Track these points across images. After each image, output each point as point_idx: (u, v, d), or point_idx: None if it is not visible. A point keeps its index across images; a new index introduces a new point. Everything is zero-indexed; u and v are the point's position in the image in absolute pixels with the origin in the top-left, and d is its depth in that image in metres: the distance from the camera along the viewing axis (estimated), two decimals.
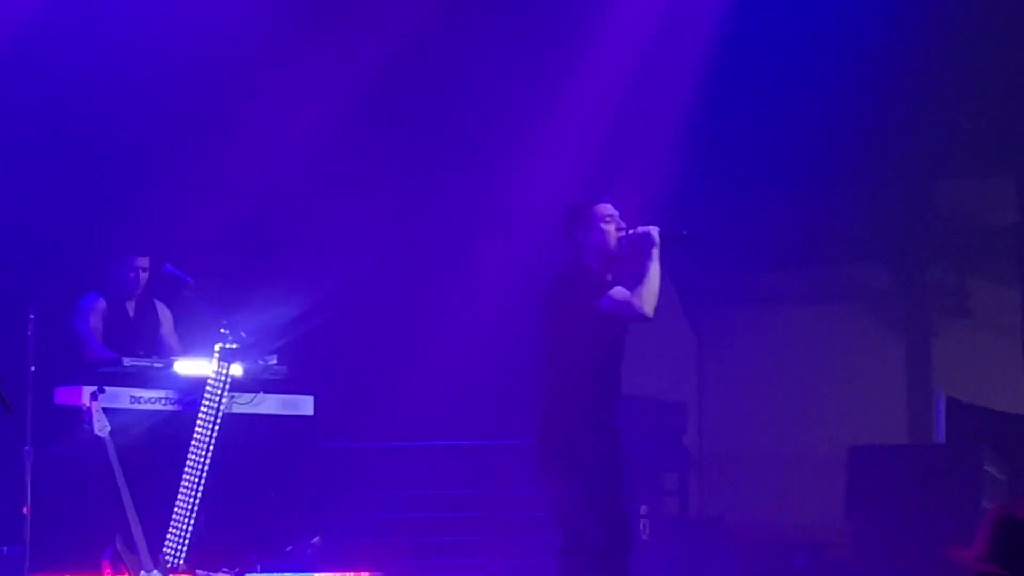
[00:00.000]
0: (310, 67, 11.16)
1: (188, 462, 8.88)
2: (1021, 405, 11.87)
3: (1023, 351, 12.09)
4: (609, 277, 7.45)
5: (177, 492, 8.85)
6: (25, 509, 8.53)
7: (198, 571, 8.81)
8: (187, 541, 8.79)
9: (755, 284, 13.21)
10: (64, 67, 10.32)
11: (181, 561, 8.75)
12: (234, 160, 10.84)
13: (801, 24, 11.25)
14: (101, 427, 8.52)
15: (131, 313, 9.76)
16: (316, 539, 9.86)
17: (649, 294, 7.32)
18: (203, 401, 8.96)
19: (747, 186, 12.47)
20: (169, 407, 9.17)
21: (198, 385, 9.05)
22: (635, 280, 7.34)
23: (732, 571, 11.28)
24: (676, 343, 13.09)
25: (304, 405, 9.58)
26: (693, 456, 12.47)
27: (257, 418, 9.35)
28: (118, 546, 8.37)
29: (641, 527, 10.85)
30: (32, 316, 8.66)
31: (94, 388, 8.65)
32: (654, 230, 7.41)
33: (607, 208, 7.50)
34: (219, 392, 8.97)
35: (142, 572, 8.42)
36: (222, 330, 9.06)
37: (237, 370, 9.10)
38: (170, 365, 9.21)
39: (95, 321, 9.60)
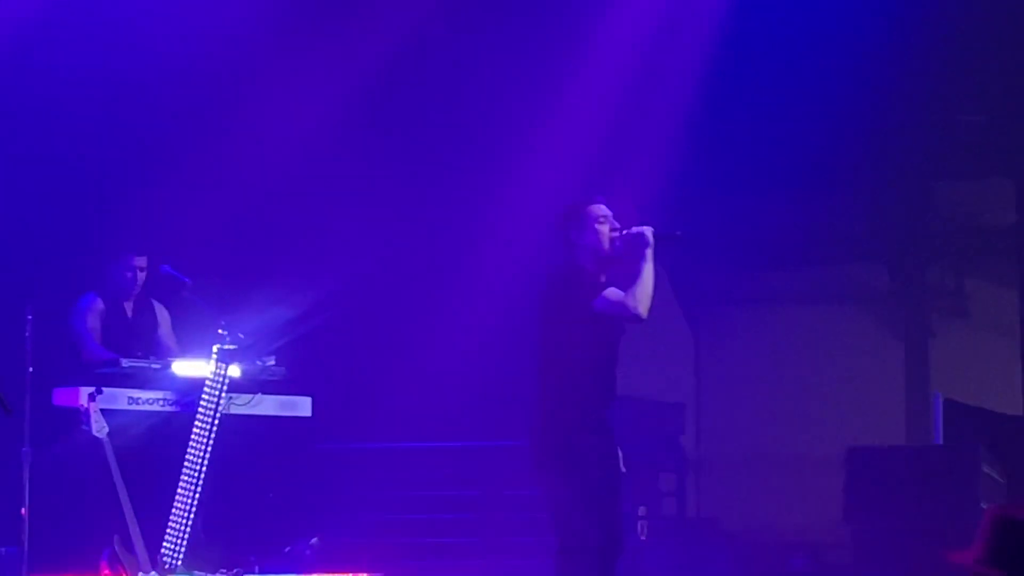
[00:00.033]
0: (308, 67, 11.15)
1: (186, 463, 8.87)
2: (1019, 406, 11.87)
3: (1021, 352, 12.09)
4: (603, 278, 7.44)
5: (175, 493, 8.84)
6: (23, 510, 8.53)
7: (196, 572, 8.81)
8: (185, 542, 8.78)
9: (753, 284, 13.21)
10: (61, 67, 10.31)
11: (179, 562, 8.75)
12: (232, 160, 10.83)
13: (800, 24, 11.23)
14: (99, 428, 8.52)
15: (129, 313, 9.76)
16: (314, 540, 9.86)
17: (643, 294, 7.31)
18: (201, 402, 8.95)
19: (746, 186, 12.46)
20: (167, 408, 9.16)
21: (196, 386, 9.05)
22: (629, 281, 7.34)
23: (729, 572, 11.27)
24: (674, 343, 13.09)
25: (302, 406, 9.57)
26: (691, 457, 12.47)
27: (255, 419, 9.34)
28: (116, 547, 8.38)
29: (639, 528, 10.85)
30: (30, 317, 8.66)
31: (92, 389, 8.66)
32: (648, 230, 7.41)
33: (601, 209, 7.49)
34: (217, 393, 8.97)
35: (140, 573, 8.42)
36: (220, 331, 9.05)
37: (235, 371, 9.09)
38: (168, 366, 9.20)
39: (93, 321, 9.60)
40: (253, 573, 9.26)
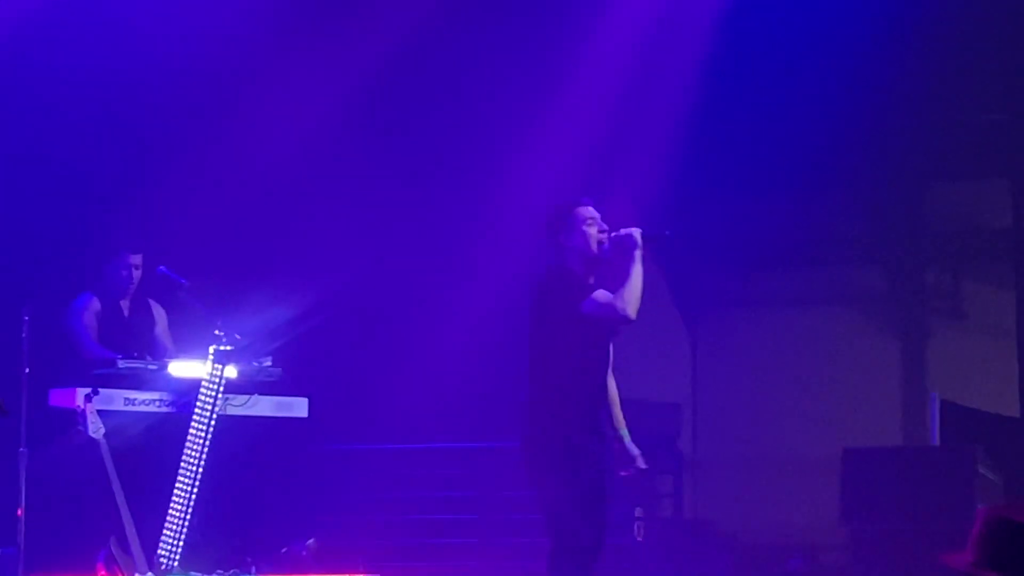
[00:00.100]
0: (306, 67, 11.15)
1: (182, 464, 8.87)
2: (1016, 407, 11.86)
3: (1018, 353, 12.08)
4: (591, 280, 7.44)
5: (171, 494, 8.84)
6: (19, 511, 8.54)
7: (192, 573, 8.81)
8: (181, 543, 8.78)
9: (750, 285, 13.19)
10: (58, 66, 10.31)
11: (175, 563, 8.75)
12: (229, 160, 10.83)
13: (798, 26, 11.24)
14: (95, 429, 8.53)
15: (126, 312, 9.77)
16: (311, 541, 9.85)
17: (632, 296, 7.31)
18: (197, 403, 8.95)
19: (742, 187, 12.46)
20: (164, 409, 9.16)
21: (193, 387, 9.05)
22: (618, 282, 7.34)
23: (726, 574, 11.28)
24: (670, 344, 13.07)
25: (299, 407, 9.57)
26: (687, 458, 12.47)
27: (252, 420, 9.34)
28: (112, 548, 8.38)
29: (635, 529, 10.85)
30: (27, 318, 8.66)
31: (88, 390, 8.66)
32: (636, 232, 7.40)
33: (588, 211, 7.49)
34: (213, 394, 8.97)
35: (136, 574, 8.43)
36: (216, 332, 9.05)
37: (231, 372, 9.09)
38: (164, 367, 9.20)
39: (89, 320, 9.61)
40: (250, 574, 9.25)
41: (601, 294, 7.34)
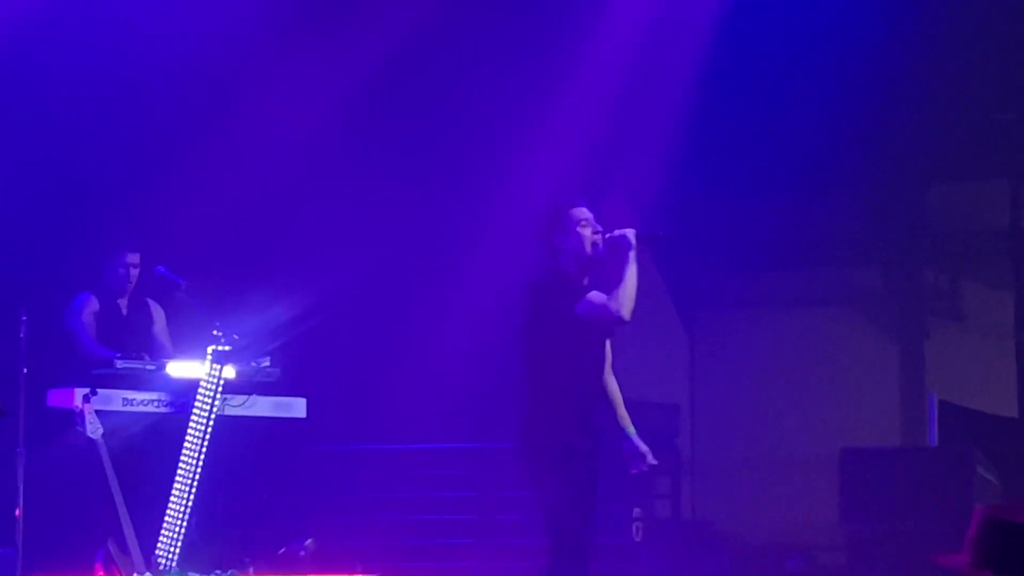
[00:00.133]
0: (306, 67, 11.16)
1: (181, 464, 8.87)
2: (1014, 408, 11.87)
3: (1016, 354, 12.08)
4: (586, 281, 7.45)
5: (170, 494, 8.84)
6: (18, 511, 8.54)
7: (190, 573, 8.81)
8: (179, 543, 8.78)
9: (748, 286, 13.20)
10: (57, 66, 10.32)
11: (173, 563, 8.75)
12: (228, 160, 10.83)
13: (798, 26, 11.24)
14: (94, 429, 8.52)
15: (124, 311, 9.77)
16: (309, 541, 9.85)
17: (626, 297, 7.32)
18: (196, 403, 8.95)
19: (741, 188, 12.46)
20: (162, 409, 9.16)
21: (191, 387, 9.05)
22: (612, 283, 7.35)
23: (725, 574, 11.28)
24: (669, 345, 13.08)
25: (297, 407, 9.57)
26: (686, 459, 12.46)
27: (250, 420, 9.35)
28: (110, 548, 8.38)
29: (634, 530, 10.84)
30: (24, 318, 8.66)
31: (87, 390, 8.67)
32: (630, 232, 7.40)
33: (582, 212, 7.49)
34: (212, 394, 8.97)
35: (134, 574, 8.43)
36: (215, 332, 9.05)
37: (230, 372, 9.09)
38: (163, 367, 9.20)
39: (88, 319, 9.61)
40: (248, 574, 9.25)
41: (595, 295, 7.34)
